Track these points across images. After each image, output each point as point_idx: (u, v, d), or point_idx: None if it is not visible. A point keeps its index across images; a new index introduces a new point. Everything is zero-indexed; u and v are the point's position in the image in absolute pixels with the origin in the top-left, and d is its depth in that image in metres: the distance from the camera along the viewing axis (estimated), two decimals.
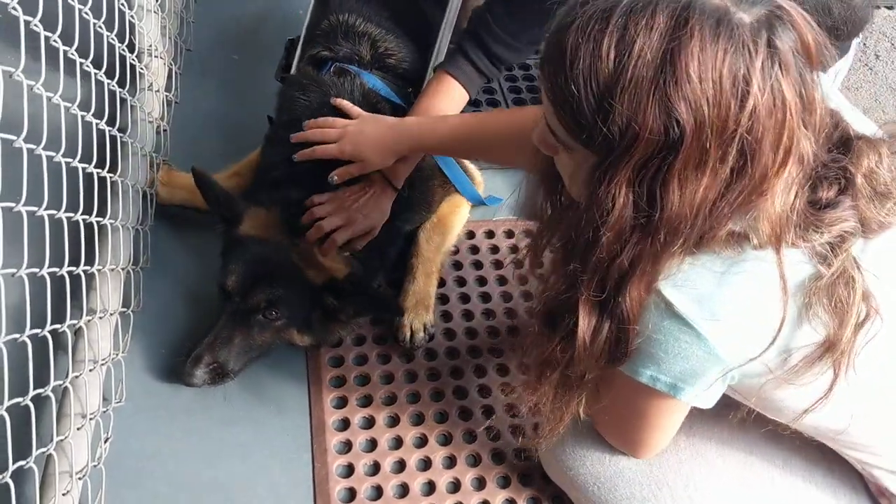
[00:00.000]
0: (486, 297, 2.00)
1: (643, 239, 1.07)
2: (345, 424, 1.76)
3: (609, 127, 1.01)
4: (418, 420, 1.78)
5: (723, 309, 1.12)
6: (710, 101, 0.98)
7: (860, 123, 1.24)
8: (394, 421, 1.77)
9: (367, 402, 1.80)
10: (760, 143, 1.00)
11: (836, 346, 1.12)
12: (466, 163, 2.22)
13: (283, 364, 1.83)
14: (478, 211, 2.19)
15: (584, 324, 1.16)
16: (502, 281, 2.05)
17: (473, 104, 2.46)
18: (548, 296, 1.24)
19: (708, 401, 1.23)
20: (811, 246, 1.12)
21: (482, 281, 2.05)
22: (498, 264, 2.09)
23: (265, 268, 1.72)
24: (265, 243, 1.75)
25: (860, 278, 1.11)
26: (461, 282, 2.05)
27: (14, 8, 1.24)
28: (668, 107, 0.98)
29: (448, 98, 1.91)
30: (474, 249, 2.13)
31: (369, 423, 1.76)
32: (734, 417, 1.29)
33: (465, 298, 2.01)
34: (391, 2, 2.12)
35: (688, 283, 1.12)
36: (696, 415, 1.42)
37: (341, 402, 1.79)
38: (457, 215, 2.12)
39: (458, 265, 2.08)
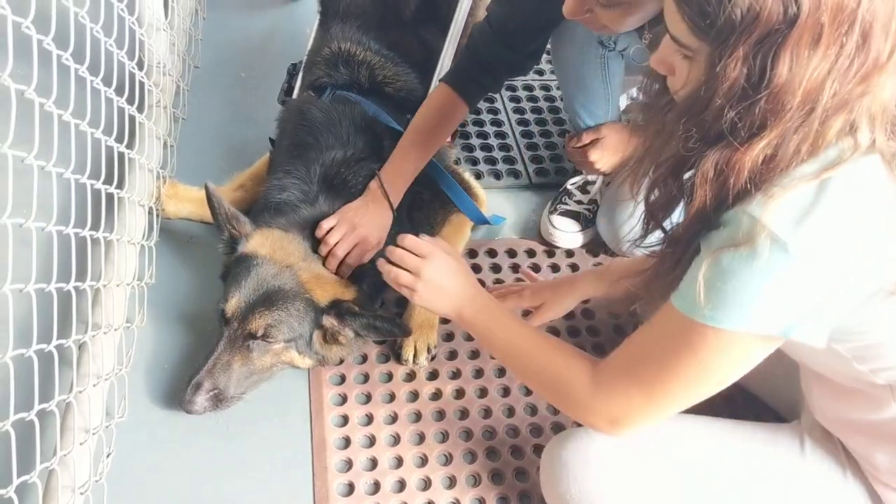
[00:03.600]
0: None
1: (748, 105, 1.07)
2: (346, 443, 1.76)
3: (732, 10, 1.03)
4: (419, 440, 1.78)
5: (828, 225, 1.07)
6: None
7: None
8: (395, 440, 1.77)
9: (368, 420, 1.80)
10: (874, 26, 1.01)
11: None
12: (470, 181, 2.23)
13: (284, 381, 1.84)
14: (479, 230, 2.20)
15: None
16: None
17: (474, 113, 2.54)
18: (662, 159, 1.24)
19: (818, 337, 1.15)
20: None
21: None
22: (500, 284, 2.09)
23: (264, 291, 1.71)
24: (268, 264, 1.75)
25: None
26: None
27: (27, 27, 1.26)
28: None
29: (448, 111, 1.93)
30: (476, 269, 2.13)
31: (370, 441, 1.77)
32: None
33: None
34: (391, 32, 2.16)
35: (784, 199, 1.08)
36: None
37: (342, 421, 1.80)
38: (460, 235, 2.13)
39: None
